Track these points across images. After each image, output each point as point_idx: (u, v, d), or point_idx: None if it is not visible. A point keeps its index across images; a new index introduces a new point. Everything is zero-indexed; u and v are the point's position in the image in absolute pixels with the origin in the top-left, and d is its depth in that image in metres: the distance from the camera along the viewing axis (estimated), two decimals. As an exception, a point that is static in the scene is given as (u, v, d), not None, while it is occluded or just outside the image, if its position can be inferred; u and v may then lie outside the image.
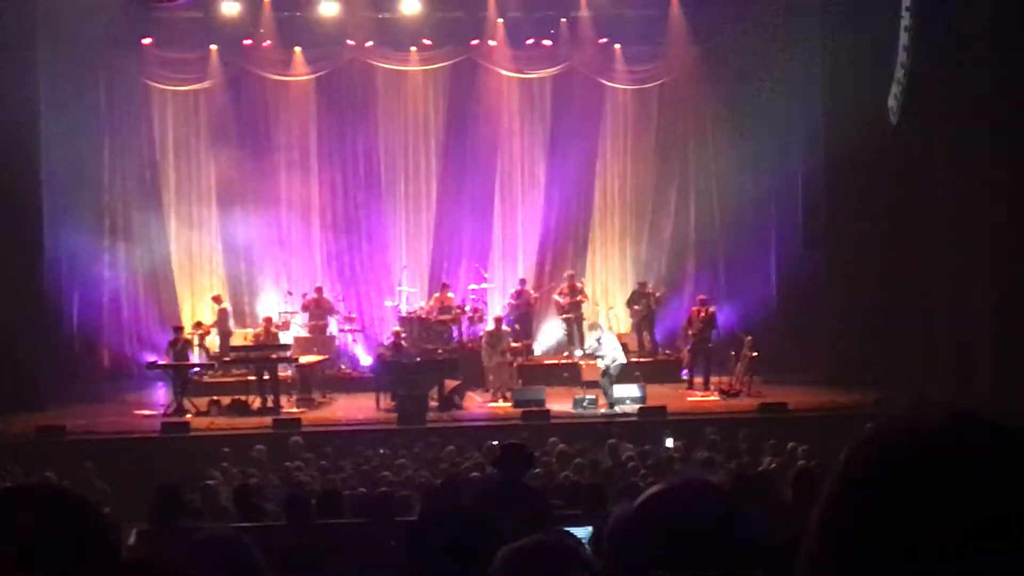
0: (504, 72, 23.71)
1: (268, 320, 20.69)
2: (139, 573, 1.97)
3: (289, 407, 19.17)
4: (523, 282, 23.07)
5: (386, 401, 19.08)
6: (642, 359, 21.55)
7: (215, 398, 19.24)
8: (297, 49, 23.01)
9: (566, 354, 22.50)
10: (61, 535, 2.00)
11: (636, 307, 22.65)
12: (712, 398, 19.75)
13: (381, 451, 15.32)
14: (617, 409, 18.48)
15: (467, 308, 22.23)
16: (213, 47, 22.71)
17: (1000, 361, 18.46)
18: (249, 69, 23.13)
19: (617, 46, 23.47)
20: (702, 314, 20.63)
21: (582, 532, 6.18)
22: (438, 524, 3.19)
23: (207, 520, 9.96)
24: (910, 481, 1.27)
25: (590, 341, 19.75)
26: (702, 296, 21.30)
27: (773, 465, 13.23)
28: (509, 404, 19.08)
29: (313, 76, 23.35)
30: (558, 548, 2.68)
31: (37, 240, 20.36)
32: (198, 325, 21.67)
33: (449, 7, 23.04)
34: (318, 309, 21.83)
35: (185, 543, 3.32)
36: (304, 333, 21.67)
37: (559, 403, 18.72)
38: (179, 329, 20.28)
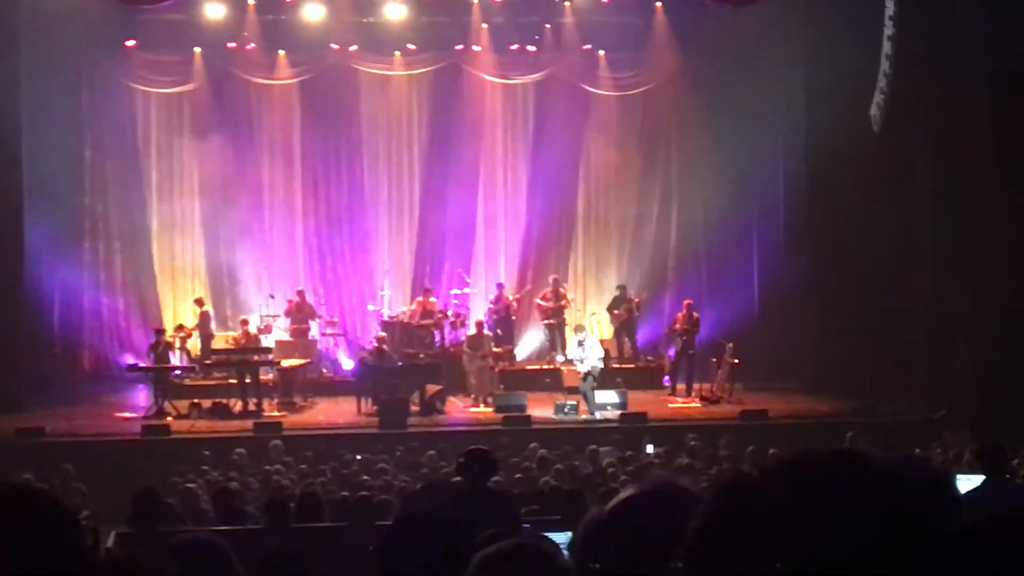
0: (488, 77, 23.70)
1: (245, 322, 20.65)
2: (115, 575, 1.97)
3: (270, 410, 19.13)
4: (500, 286, 22.95)
5: (367, 405, 19.07)
6: (623, 365, 21.59)
7: (196, 401, 19.20)
8: (281, 52, 22.95)
9: (548, 360, 22.48)
10: (34, 537, 2.00)
11: (616, 312, 22.62)
12: (693, 405, 19.78)
13: (360, 456, 15.30)
14: (598, 416, 18.49)
15: (449, 313, 22.21)
16: (197, 50, 22.61)
17: (978, 368, 18.57)
18: (233, 72, 23.04)
19: (601, 52, 23.47)
20: (690, 318, 20.58)
21: (561, 537, 6.19)
22: (413, 528, 3.19)
23: (186, 523, 9.93)
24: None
25: (573, 347, 19.65)
26: (688, 300, 21.15)
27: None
28: (490, 409, 19.07)
29: (297, 80, 23.29)
30: (536, 552, 2.68)
31: (18, 241, 20.27)
32: (179, 328, 21.58)
33: (434, 12, 23.01)
34: (300, 313, 21.78)
35: (163, 546, 3.33)
36: (286, 336, 21.61)
37: (540, 408, 18.74)
38: (160, 331, 20.23)
